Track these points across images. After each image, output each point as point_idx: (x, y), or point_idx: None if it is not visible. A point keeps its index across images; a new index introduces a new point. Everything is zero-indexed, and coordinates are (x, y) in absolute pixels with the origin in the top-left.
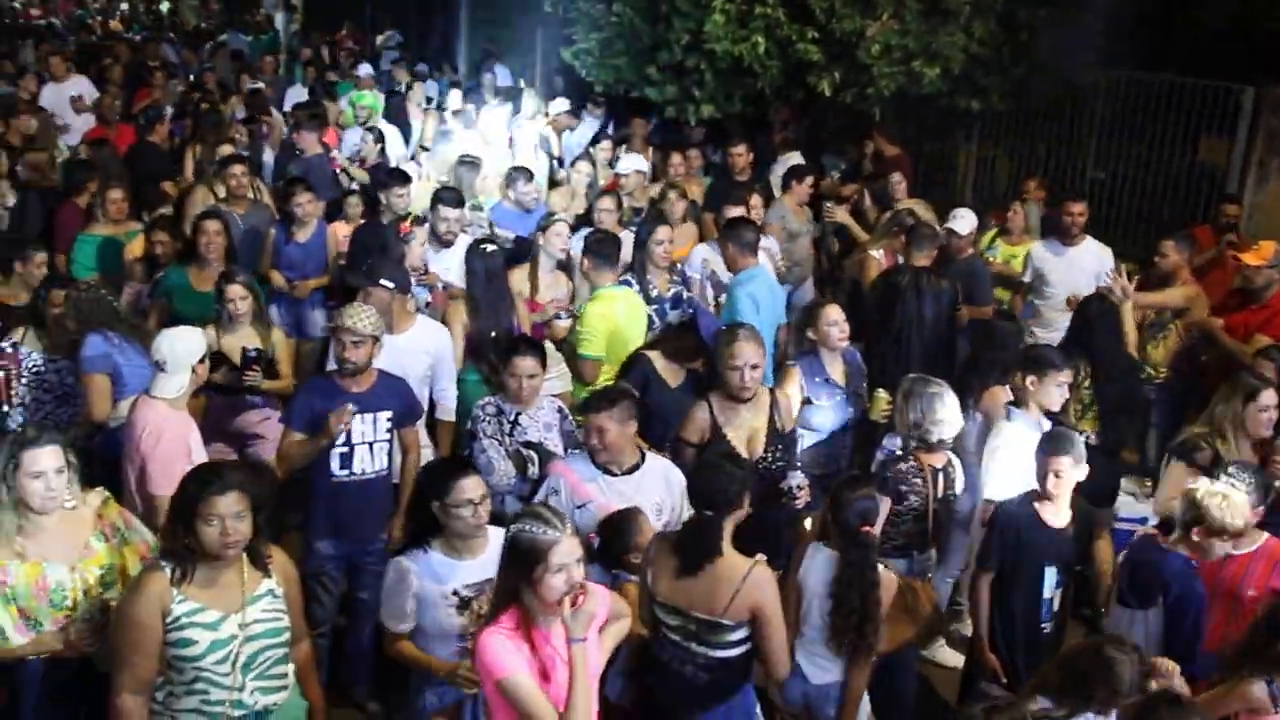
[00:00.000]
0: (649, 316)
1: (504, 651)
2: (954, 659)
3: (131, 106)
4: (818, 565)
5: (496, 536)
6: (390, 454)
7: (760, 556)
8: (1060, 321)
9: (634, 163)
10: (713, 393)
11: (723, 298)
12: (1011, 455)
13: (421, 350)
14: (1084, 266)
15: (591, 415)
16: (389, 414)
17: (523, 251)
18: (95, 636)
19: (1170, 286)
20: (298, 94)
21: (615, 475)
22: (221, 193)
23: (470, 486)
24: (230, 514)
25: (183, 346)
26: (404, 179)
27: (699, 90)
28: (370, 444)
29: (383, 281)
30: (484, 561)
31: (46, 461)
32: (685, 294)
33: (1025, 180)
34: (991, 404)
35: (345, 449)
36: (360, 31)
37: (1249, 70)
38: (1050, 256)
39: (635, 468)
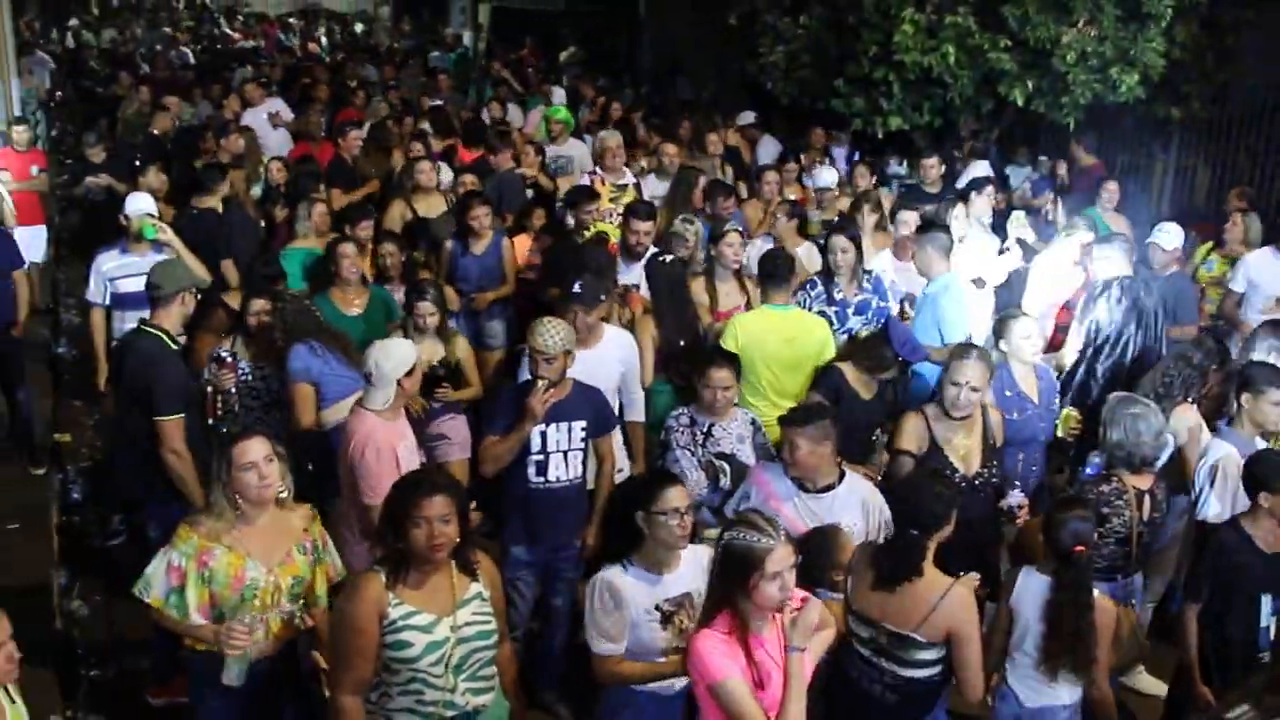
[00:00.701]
0: (829, 317)
1: (718, 655)
2: (1155, 686)
3: (332, 125)
4: (1031, 589)
5: (690, 550)
6: (585, 462)
7: (974, 576)
8: None
9: (829, 176)
10: (928, 406)
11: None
12: (1227, 476)
13: (615, 360)
14: None
15: (785, 430)
16: (583, 423)
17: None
18: (241, 642)
19: None
20: (511, 114)
21: (809, 492)
22: (421, 208)
23: (676, 496)
24: (437, 517)
25: (390, 360)
26: (592, 195)
27: (887, 102)
28: (565, 452)
29: (600, 298)
30: (682, 575)
31: (256, 451)
32: (877, 302)
33: (1229, 192)
34: (1176, 422)
35: (540, 457)
36: (544, 48)
37: None
38: (1268, 265)
39: (830, 487)
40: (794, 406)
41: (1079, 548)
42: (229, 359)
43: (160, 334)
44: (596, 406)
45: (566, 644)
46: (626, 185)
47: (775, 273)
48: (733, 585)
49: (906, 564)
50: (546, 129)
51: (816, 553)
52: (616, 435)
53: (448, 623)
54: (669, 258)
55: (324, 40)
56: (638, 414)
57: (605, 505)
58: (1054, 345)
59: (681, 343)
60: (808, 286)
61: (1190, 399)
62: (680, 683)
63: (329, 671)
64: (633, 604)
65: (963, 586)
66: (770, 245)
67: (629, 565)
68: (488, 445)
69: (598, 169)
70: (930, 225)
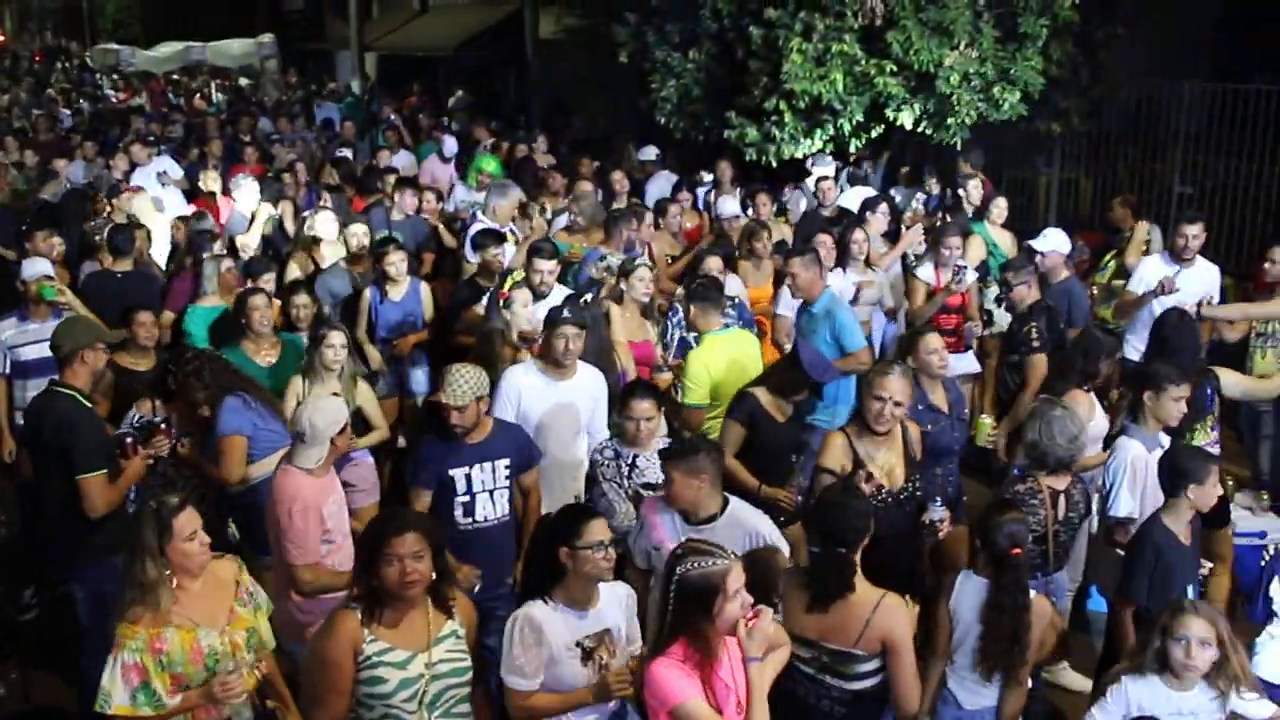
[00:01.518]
0: (689, 341)
1: (676, 679)
2: (1079, 683)
3: (226, 181)
4: (968, 592)
5: (607, 586)
6: (510, 500)
7: (908, 593)
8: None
9: (731, 206)
10: (849, 425)
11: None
12: (1134, 473)
13: (587, 395)
14: (1196, 285)
15: (663, 466)
16: (507, 461)
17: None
18: (236, 690)
19: (1278, 295)
20: (403, 160)
21: (691, 524)
22: (321, 257)
23: (599, 529)
24: (409, 554)
25: (322, 419)
26: (500, 238)
27: (779, 131)
28: (491, 491)
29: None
30: (603, 611)
31: (195, 521)
32: (737, 326)
33: (1112, 200)
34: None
35: (467, 498)
36: (431, 95)
37: None
38: (1165, 273)
39: (712, 518)
40: (671, 444)
41: (1015, 550)
42: (163, 425)
43: (73, 393)
44: (519, 444)
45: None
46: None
47: (705, 296)
48: (695, 614)
49: (839, 581)
50: (474, 179)
51: (760, 574)
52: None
53: (422, 659)
54: (589, 297)
55: (214, 95)
56: (599, 430)
57: (529, 541)
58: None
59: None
60: (670, 314)
61: (1085, 387)
62: (593, 716)
63: (305, 710)
64: (554, 640)
65: (893, 597)
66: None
67: (550, 601)
68: (419, 506)
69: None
70: (804, 249)
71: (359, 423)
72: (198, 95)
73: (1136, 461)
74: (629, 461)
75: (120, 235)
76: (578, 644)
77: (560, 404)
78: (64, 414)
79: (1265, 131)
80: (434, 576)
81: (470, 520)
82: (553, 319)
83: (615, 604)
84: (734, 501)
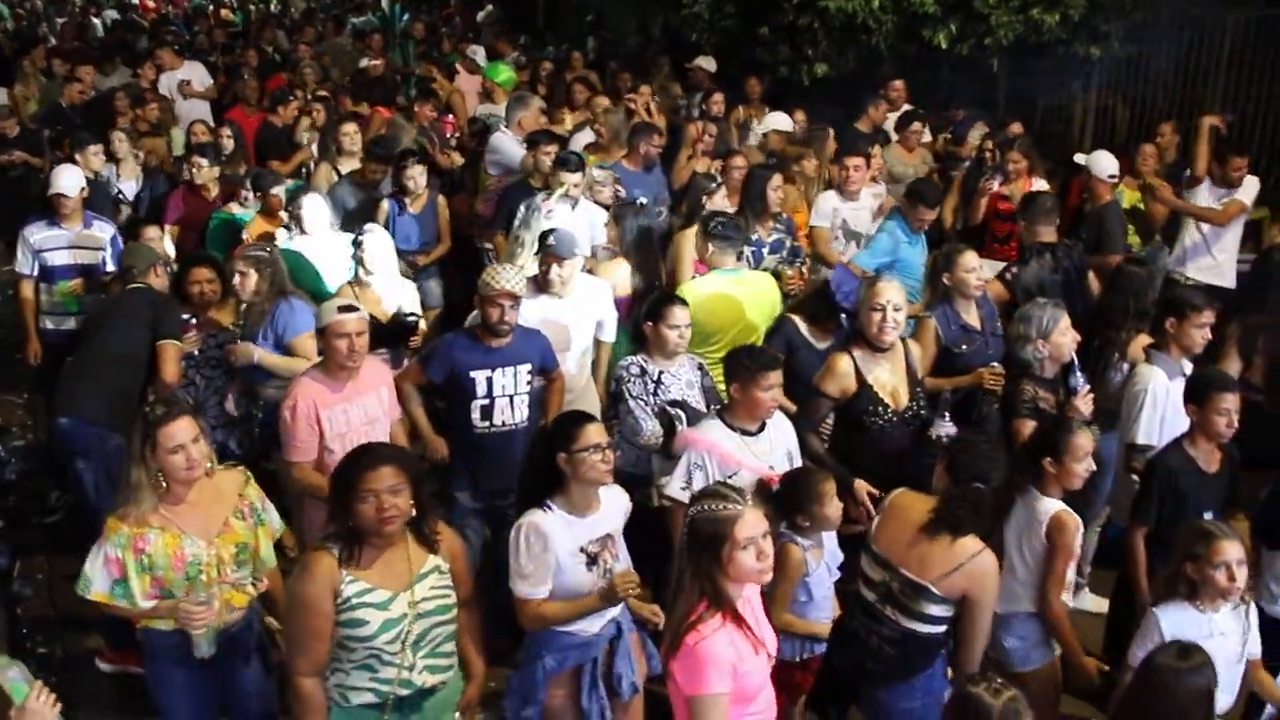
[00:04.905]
0: (746, 257)
1: (718, 666)
2: (1098, 604)
3: (263, 93)
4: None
5: (606, 491)
6: (530, 406)
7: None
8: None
9: (780, 121)
10: (854, 345)
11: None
12: (1155, 400)
13: (582, 315)
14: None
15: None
16: (529, 366)
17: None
18: (198, 620)
19: None
20: None
21: (751, 435)
22: (344, 167)
23: (596, 432)
24: (385, 489)
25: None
26: (553, 137)
27: (812, 50)
28: (511, 396)
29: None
30: (603, 515)
31: (184, 434)
32: (790, 242)
33: (1158, 127)
34: (1139, 353)
35: (486, 401)
36: (463, 7)
37: None
38: (1213, 203)
39: (763, 426)
40: (729, 353)
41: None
42: (193, 320)
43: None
44: (540, 348)
45: None
46: None
47: (724, 235)
48: (708, 563)
49: (975, 519)
50: (484, 88)
51: (793, 492)
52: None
53: (405, 599)
54: (642, 201)
55: (233, 6)
56: (609, 335)
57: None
58: None
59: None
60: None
61: (1143, 329)
62: (600, 621)
63: (287, 655)
64: (559, 547)
65: (990, 555)
66: None
67: (551, 508)
68: (409, 374)
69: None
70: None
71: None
72: (224, 8)
73: (1158, 389)
74: (655, 378)
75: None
76: (582, 549)
77: (548, 320)
78: (151, 296)
79: None
80: (414, 512)
81: (488, 424)
82: (542, 244)
83: (616, 509)
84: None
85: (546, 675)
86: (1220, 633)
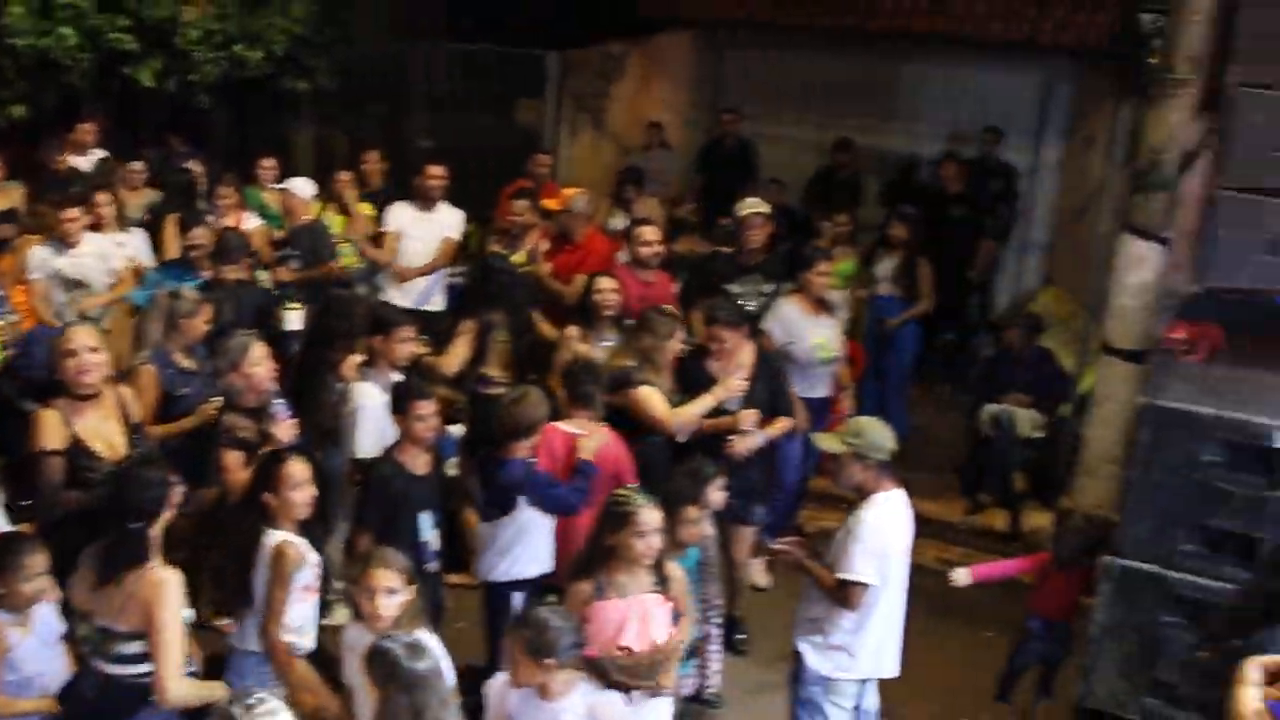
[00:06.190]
0: None
1: None
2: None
3: None
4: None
5: None
6: None
7: None
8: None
9: None
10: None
11: None
12: (368, 414)
13: None
14: (441, 228)
15: None
16: None
17: None
18: None
19: None
20: None
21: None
22: None
23: None
24: None
25: None
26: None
27: (6, 90)
28: None
29: None
30: None
31: None
32: None
33: (363, 154)
34: (352, 372)
35: None
36: None
37: (551, 38)
38: (410, 219)
39: None
40: None
41: None
42: None
43: None
44: None
45: None
46: None
47: None
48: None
49: (132, 557)
50: None
51: None
52: None
53: None
54: None
55: None
56: None
57: None
58: None
59: None
60: None
61: (352, 350)
62: None
63: None
64: None
65: (162, 570)
66: None
67: None
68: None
69: None
70: None
71: None
72: None
73: (371, 404)
74: None
75: None
76: None
77: None
78: None
79: (492, 90)
80: None
81: None
82: None
83: None
84: None
85: None
86: None
